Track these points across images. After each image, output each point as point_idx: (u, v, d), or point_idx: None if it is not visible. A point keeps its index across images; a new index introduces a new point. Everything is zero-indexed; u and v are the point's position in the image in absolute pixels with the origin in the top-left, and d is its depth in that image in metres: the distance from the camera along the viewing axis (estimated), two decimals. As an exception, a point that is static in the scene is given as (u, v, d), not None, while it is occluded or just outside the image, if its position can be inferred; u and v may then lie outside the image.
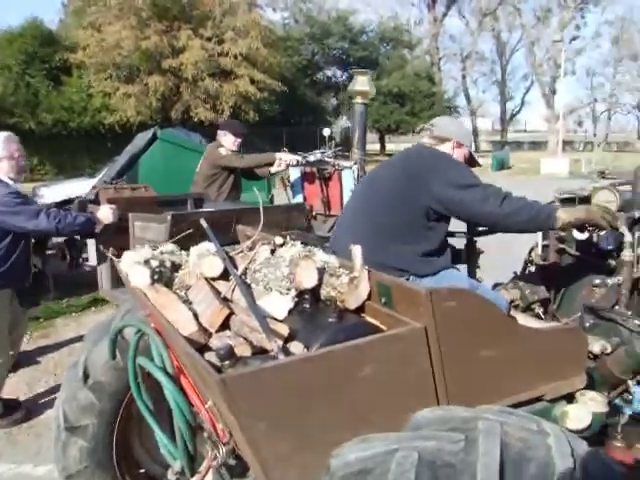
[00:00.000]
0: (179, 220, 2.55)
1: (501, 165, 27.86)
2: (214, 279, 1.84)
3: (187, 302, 1.71)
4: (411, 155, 2.69)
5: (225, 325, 1.60)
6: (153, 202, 4.50)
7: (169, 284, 1.86)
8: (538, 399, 1.76)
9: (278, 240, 1.98)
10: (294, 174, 5.64)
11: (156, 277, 1.80)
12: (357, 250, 1.66)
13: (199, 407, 1.70)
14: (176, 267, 1.94)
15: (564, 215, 2.29)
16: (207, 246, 1.95)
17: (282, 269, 1.68)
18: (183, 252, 2.03)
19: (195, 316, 1.59)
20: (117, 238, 3.30)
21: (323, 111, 35.75)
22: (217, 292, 1.74)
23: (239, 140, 5.22)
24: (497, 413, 1.34)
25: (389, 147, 37.88)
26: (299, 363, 1.32)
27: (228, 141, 5.17)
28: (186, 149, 7.72)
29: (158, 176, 7.25)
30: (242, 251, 1.98)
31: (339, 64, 37.49)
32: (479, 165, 2.97)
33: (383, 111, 33.88)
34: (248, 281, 1.78)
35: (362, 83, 3.83)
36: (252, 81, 23.66)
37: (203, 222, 2.01)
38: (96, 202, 5.28)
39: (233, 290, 1.73)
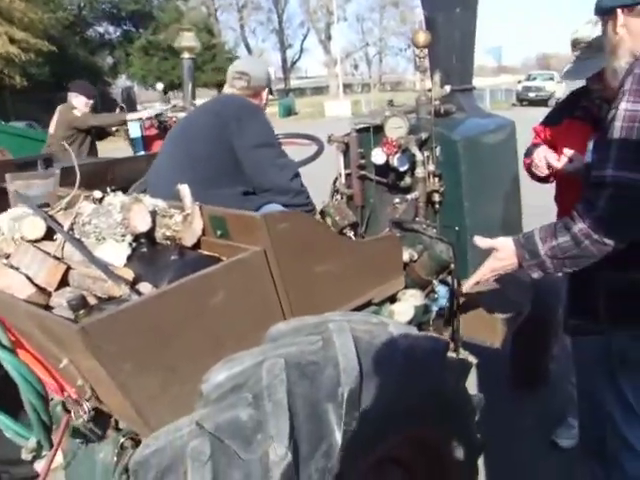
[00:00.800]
0: (68, 173, 2.34)
1: (288, 111, 28.60)
2: (37, 241, 1.73)
3: (13, 269, 1.60)
4: (223, 102, 2.69)
5: (63, 283, 1.54)
6: (11, 164, 4.21)
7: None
8: (368, 304, 1.97)
9: (97, 194, 1.92)
10: (134, 130, 5.57)
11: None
12: (184, 188, 1.69)
13: (47, 376, 1.63)
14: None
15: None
16: (21, 209, 1.82)
17: (114, 216, 1.65)
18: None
19: (29, 279, 1.50)
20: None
21: (99, 71, 33.27)
22: (45, 253, 1.65)
23: (91, 102, 5.34)
24: (342, 315, 1.50)
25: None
26: (154, 299, 1.35)
27: (80, 102, 5.23)
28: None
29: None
30: (61, 210, 1.88)
31: (110, 19, 35.02)
32: (272, 93, 3.11)
33: (164, 67, 32.53)
34: (77, 236, 1.72)
35: (188, 39, 3.85)
36: (12, 40, 21.23)
37: (11, 186, 1.86)
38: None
39: (63, 247, 1.66)
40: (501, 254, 1.83)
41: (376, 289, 1.94)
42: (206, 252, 1.70)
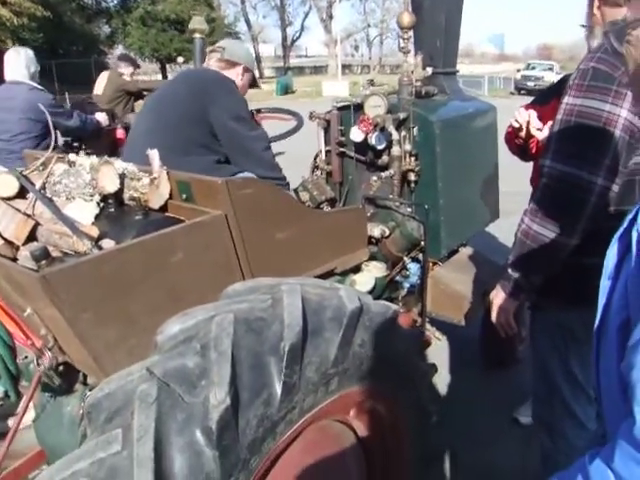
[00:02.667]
0: None
1: (285, 90, 28.50)
2: (10, 199, 1.81)
3: (-17, 223, 1.67)
4: (197, 75, 2.75)
5: (32, 238, 1.62)
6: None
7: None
8: (331, 274, 2.06)
9: (72, 157, 1.99)
10: None
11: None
12: (154, 153, 1.76)
13: (14, 327, 1.71)
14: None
15: None
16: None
17: (84, 177, 1.72)
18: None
19: (-2, 232, 1.58)
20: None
21: (96, 40, 33.01)
22: (16, 209, 1.72)
23: (137, 70, 6.71)
24: (297, 279, 1.59)
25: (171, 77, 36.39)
26: (115, 253, 1.42)
27: (128, 71, 6.35)
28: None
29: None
30: (36, 170, 1.95)
31: (108, -14, 34.60)
32: (259, 87, 3.15)
33: (162, 39, 32.25)
34: (48, 195, 1.79)
35: (198, 22, 4.08)
36: (3, 2, 20.81)
37: None
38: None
39: (34, 205, 1.73)
40: (493, 293, 1.91)
41: (339, 259, 2.03)
42: (171, 214, 1.77)
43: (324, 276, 2.00)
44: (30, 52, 4.28)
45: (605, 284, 1.02)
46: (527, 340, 3.35)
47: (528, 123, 2.29)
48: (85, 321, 1.36)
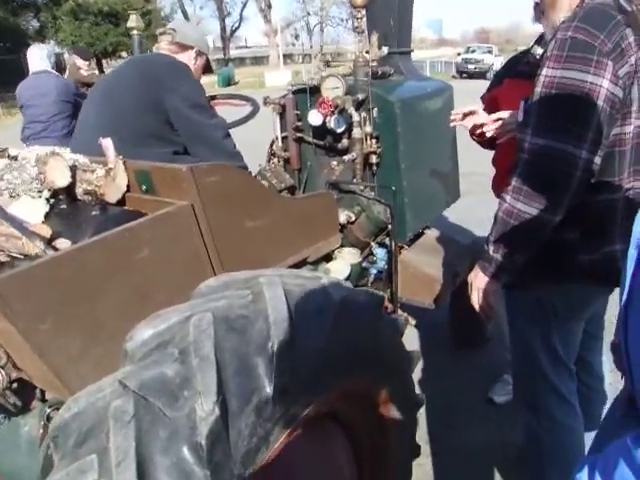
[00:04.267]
0: None
1: (227, 81, 28.01)
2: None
3: None
4: (149, 61, 2.57)
5: (-28, 242, 1.43)
6: None
7: None
8: (303, 263, 1.94)
9: (13, 151, 1.80)
10: None
11: None
12: (107, 142, 1.59)
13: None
14: None
15: None
16: None
17: (29, 171, 1.54)
18: None
19: None
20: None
21: (24, 35, 31.50)
22: (-48, 212, 1.53)
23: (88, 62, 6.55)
24: (273, 270, 1.46)
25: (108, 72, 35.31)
26: (73, 254, 1.26)
27: (85, 64, 6.30)
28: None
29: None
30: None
31: (33, -22, 33.01)
32: (212, 71, 2.99)
33: (96, 33, 31.05)
34: (-12, 194, 1.60)
35: (136, 20, 4.03)
36: None
37: None
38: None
39: (-28, 205, 1.53)
40: (471, 275, 1.84)
41: (311, 247, 1.91)
42: (130, 208, 1.61)
43: (297, 266, 1.88)
44: (49, 47, 5.37)
45: (632, 253, 0.94)
46: (495, 318, 3.35)
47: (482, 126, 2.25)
48: (43, 333, 1.20)
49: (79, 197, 1.63)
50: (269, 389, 1.14)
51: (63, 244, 1.37)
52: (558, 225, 1.61)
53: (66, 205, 1.57)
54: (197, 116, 2.29)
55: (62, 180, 1.55)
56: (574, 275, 1.76)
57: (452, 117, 2.42)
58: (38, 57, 4.92)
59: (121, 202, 1.63)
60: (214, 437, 1.04)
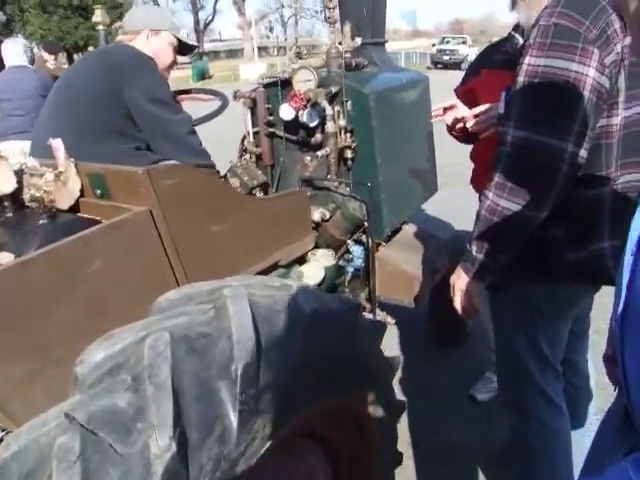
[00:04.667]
0: None
1: (202, 75, 27.81)
2: None
3: None
4: (111, 52, 2.43)
5: None
6: None
7: None
8: (275, 267, 1.83)
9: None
10: None
11: None
12: (57, 143, 1.46)
13: None
14: None
15: None
16: None
17: (-31, 177, 1.40)
18: None
19: None
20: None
21: (-9, 28, 30.68)
22: None
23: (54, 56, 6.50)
24: (239, 280, 1.34)
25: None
26: (17, 269, 1.13)
27: (51, 57, 6.29)
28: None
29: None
30: None
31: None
32: (196, 47, 2.86)
33: (66, 27, 30.35)
34: None
35: (101, 15, 3.96)
36: None
37: None
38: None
39: None
40: (453, 277, 1.74)
41: (283, 250, 1.80)
42: (84, 215, 1.48)
43: (268, 270, 1.77)
44: (25, 41, 5.23)
45: (628, 260, 0.85)
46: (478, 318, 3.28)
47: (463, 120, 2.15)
48: (-19, 358, 1.08)
49: (26, 203, 1.49)
50: (233, 416, 1.03)
51: (5, 258, 1.23)
52: (543, 222, 1.52)
53: (11, 213, 1.44)
54: (158, 111, 2.16)
55: (7, 186, 1.41)
56: (560, 274, 1.68)
57: (433, 112, 2.32)
58: (14, 52, 4.86)
59: (74, 208, 1.50)
60: (171, 475, 0.92)
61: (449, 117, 2.22)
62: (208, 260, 1.51)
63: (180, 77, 26.45)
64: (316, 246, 2.36)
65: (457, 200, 4.62)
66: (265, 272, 1.73)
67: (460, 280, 1.70)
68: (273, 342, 1.14)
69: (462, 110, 2.18)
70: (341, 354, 1.35)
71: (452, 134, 2.43)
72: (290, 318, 1.21)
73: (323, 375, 1.30)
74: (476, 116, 2.11)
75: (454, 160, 4.56)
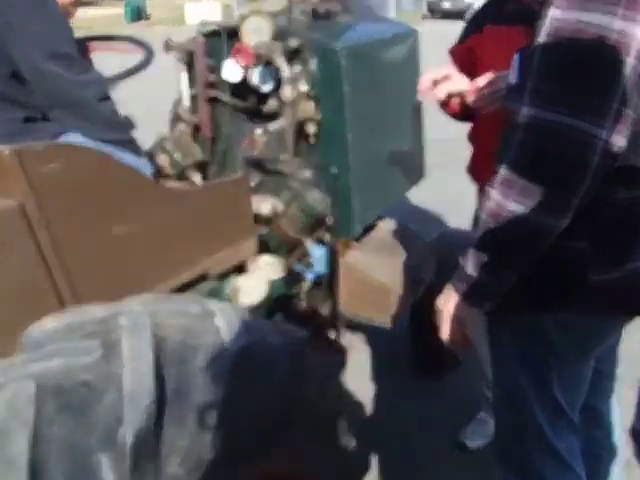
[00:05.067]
0: None
1: (137, 15, 27.76)
2: None
3: None
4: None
5: None
6: None
7: None
8: (204, 278, 1.76)
9: None
10: None
11: None
12: None
13: None
14: None
15: None
16: None
17: None
18: None
19: None
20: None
21: None
22: None
23: None
24: (146, 302, 1.25)
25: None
26: None
27: None
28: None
29: None
30: None
31: None
32: None
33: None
34: None
35: None
36: None
37: None
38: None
39: None
40: (440, 301, 1.66)
41: (214, 257, 1.73)
42: None
43: (193, 284, 1.69)
44: None
45: None
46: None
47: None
48: None
49: None
50: (119, 505, 0.94)
51: None
52: (561, 232, 1.46)
53: None
54: (59, 69, 2.08)
55: None
56: (581, 302, 1.62)
57: (420, 85, 2.24)
58: None
59: None
60: None
61: (441, 91, 2.14)
62: (107, 272, 1.42)
63: (110, 16, 26.22)
64: (266, 249, 2.31)
65: (448, 188, 4.60)
66: (187, 287, 1.65)
67: (450, 305, 1.63)
68: (183, 396, 1.06)
69: (459, 82, 2.10)
70: (280, 407, 1.28)
71: (447, 111, 2.37)
72: (211, 360, 1.13)
73: (254, 437, 1.22)
74: (479, 90, 2.04)
75: (445, 135, 4.52)
